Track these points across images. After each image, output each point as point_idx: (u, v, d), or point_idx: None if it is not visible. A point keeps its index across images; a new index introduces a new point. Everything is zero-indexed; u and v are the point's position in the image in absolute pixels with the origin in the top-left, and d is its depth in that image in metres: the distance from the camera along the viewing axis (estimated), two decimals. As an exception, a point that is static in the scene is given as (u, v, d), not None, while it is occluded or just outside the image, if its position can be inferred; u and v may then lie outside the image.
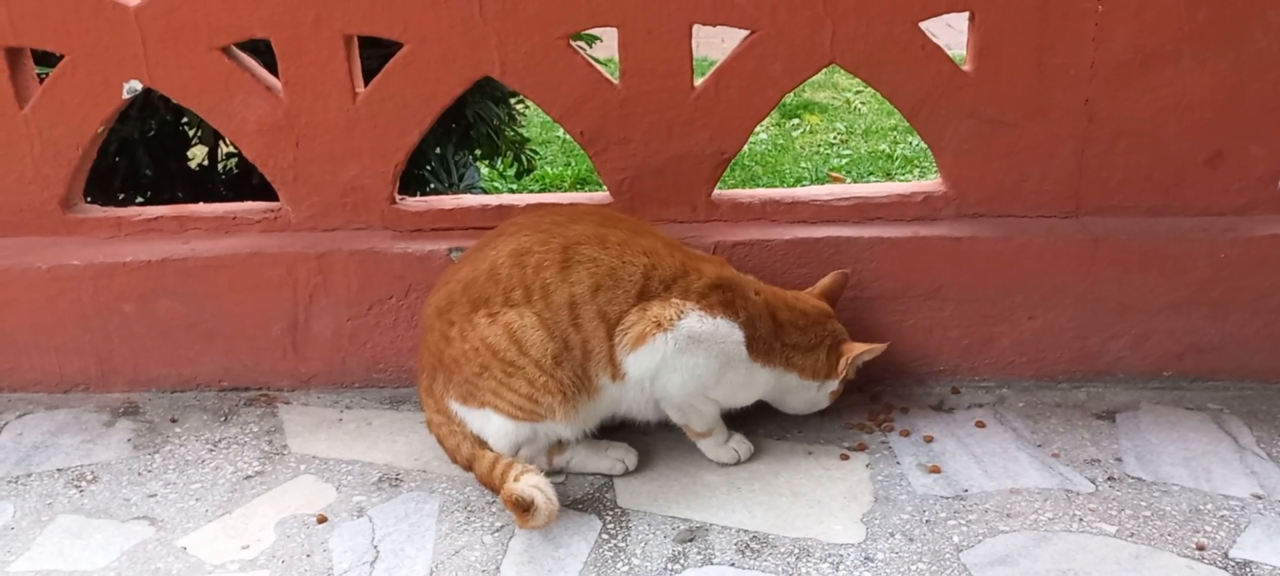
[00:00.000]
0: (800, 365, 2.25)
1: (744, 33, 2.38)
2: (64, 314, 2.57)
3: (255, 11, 2.37)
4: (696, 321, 2.10)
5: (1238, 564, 1.95)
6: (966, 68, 2.39)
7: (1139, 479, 2.19)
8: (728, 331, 2.13)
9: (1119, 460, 2.25)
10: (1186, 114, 2.37)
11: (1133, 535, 2.02)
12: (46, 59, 2.66)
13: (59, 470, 2.35)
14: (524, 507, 1.98)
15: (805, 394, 2.30)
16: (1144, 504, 2.11)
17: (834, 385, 2.28)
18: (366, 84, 2.46)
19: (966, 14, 2.36)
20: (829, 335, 2.27)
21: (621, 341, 2.10)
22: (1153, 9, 2.28)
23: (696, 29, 2.36)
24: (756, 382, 2.24)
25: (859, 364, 2.28)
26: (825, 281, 2.37)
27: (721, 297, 2.14)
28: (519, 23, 2.35)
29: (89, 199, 2.72)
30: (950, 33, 2.61)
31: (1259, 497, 2.12)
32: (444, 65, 2.40)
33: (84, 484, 2.30)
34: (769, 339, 2.20)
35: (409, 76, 2.41)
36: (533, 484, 2.02)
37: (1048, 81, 2.35)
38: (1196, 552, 1.98)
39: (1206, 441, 2.30)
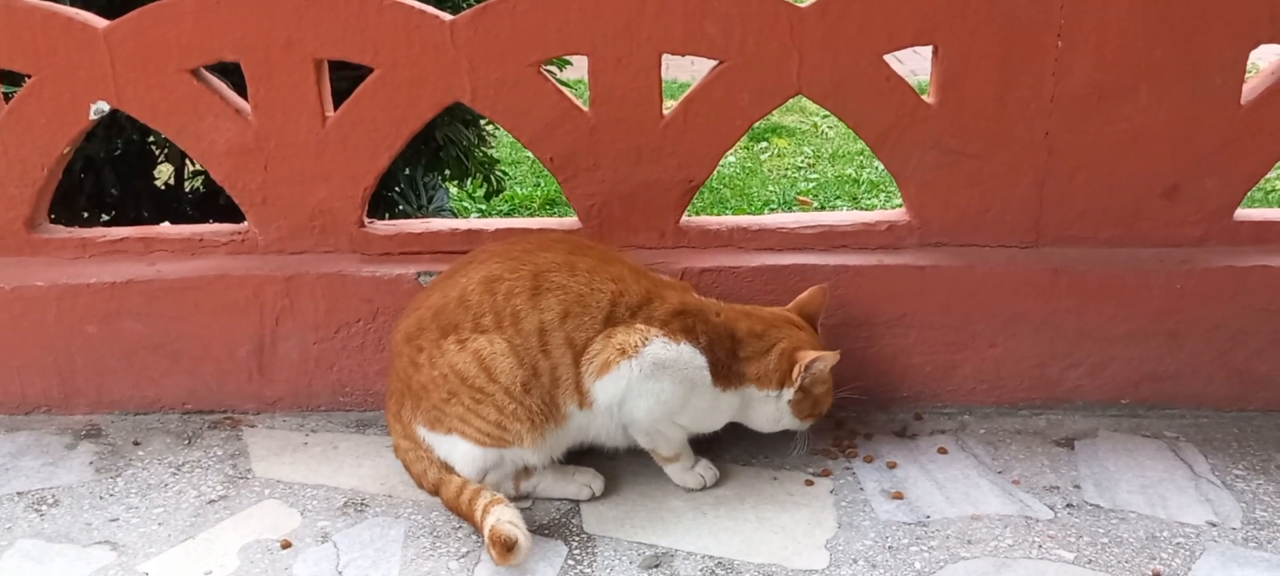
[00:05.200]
0: (755, 374, 2.21)
1: (713, 62, 2.41)
2: (27, 334, 2.54)
3: (226, 35, 2.37)
4: (660, 348, 2.12)
5: (1192, 590, 1.99)
6: (930, 99, 2.43)
7: (1097, 506, 2.22)
8: (691, 357, 2.15)
9: (1077, 487, 2.29)
10: (1144, 147, 2.42)
11: (1091, 561, 2.06)
12: (11, 77, 2.64)
13: (19, 493, 2.32)
14: (508, 547, 1.98)
15: (765, 407, 2.24)
16: (1102, 531, 2.15)
17: (791, 393, 2.21)
18: (336, 107, 2.46)
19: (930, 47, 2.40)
20: (784, 339, 2.22)
21: (588, 368, 2.11)
22: (1111, 45, 2.34)
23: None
24: (722, 406, 2.24)
25: (815, 371, 2.20)
26: (803, 296, 2.35)
27: (683, 324, 2.15)
28: (490, 49, 2.36)
29: (52, 217, 2.70)
30: (916, 59, 2.65)
31: (1213, 525, 2.16)
32: (415, 90, 2.41)
33: (44, 507, 2.27)
34: (727, 359, 2.19)
35: (380, 101, 2.42)
36: (509, 520, 2.03)
37: (1009, 114, 2.40)
38: (1152, 579, 2.02)
39: (1162, 469, 2.34)
